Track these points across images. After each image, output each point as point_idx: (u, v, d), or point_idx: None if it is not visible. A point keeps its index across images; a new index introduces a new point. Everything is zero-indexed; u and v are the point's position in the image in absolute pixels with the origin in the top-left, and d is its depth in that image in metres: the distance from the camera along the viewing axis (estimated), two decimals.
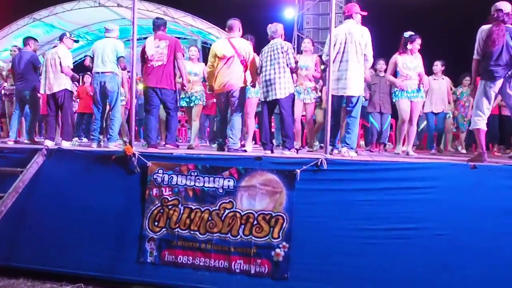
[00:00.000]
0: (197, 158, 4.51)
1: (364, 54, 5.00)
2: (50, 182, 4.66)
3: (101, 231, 4.39)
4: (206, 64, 5.95)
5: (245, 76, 5.30)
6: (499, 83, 4.33)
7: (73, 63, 8.68)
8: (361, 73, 5.04)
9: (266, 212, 4.13)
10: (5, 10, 13.72)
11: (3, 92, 8.11)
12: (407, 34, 5.64)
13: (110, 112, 5.94)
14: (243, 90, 5.30)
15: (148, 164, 4.46)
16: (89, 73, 8.37)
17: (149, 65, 5.50)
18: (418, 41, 5.61)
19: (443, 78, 6.99)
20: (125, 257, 4.28)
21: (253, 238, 4.10)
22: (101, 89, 5.79)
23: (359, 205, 4.02)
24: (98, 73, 5.78)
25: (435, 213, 3.89)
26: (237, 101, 5.23)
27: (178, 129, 10.28)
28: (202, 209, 4.26)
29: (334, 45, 4.89)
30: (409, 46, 5.60)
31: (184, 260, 4.18)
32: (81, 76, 8.95)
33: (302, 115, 6.67)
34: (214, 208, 4.24)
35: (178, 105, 6.03)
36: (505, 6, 4.37)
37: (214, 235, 4.18)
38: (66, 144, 5.69)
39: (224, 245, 4.14)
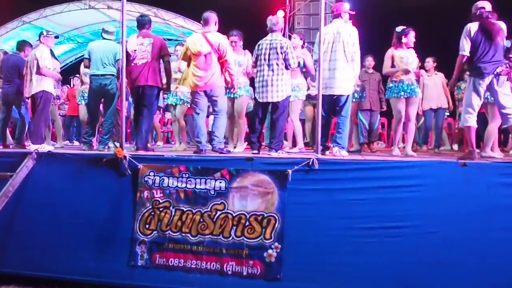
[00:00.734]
0: (189, 159, 4.49)
1: (352, 55, 4.98)
2: (40, 186, 4.61)
3: (92, 235, 4.35)
4: None
5: (224, 75, 5.12)
6: (487, 79, 4.36)
7: (64, 65, 8.60)
8: (350, 72, 5.02)
9: (258, 213, 4.12)
10: None
11: None
12: (399, 28, 5.54)
13: (104, 115, 5.87)
14: (223, 89, 5.17)
15: (139, 167, 4.43)
16: (78, 75, 8.30)
17: (132, 64, 5.33)
18: (412, 34, 5.46)
19: (436, 74, 7.02)
20: (115, 261, 4.24)
21: (245, 239, 4.08)
22: (101, 92, 5.71)
23: (351, 204, 4.03)
24: (97, 75, 5.68)
25: (426, 211, 3.91)
26: (219, 100, 5.10)
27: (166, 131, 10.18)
28: (194, 211, 4.24)
29: (323, 44, 4.87)
30: (403, 40, 5.42)
31: (176, 263, 4.15)
32: (71, 79, 8.87)
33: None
34: (205, 210, 4.22)
35: (156, 105, 5.78)
36: (486, 4, 4.40)
37: (206, 237, 4.16)
38: (34, 148, 5.36)
39: (216, 247, 4.11)
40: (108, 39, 5.90)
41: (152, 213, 4.31)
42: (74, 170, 4.63)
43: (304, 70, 5.99)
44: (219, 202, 4.21)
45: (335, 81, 4.92)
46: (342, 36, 4.94)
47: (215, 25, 5.14)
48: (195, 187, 4.28)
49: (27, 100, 6.30)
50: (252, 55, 5.35)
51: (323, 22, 4.63)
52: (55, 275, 4.30)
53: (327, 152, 5.03)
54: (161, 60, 5.50)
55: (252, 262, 4.03)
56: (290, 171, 4.11)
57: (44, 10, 13.64)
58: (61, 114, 8.63)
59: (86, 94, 6.80)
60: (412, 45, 5.52)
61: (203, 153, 4.95)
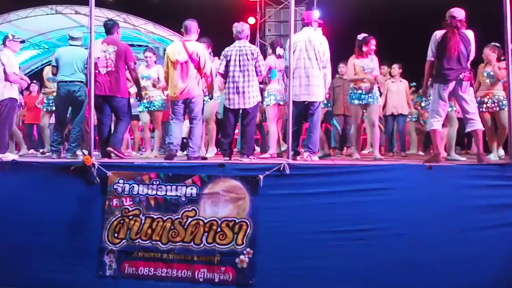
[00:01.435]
0: (159, 166, 4.45)
1: (323, 62, 5.08)
2: (5, 195, 4.45)
3: (59, 245, 4.23)
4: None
5: (201, 83, 5.14)
6: (451, 85, 4.51)
7: (30, 72, 8.33)
8: (322, 79, 5.12)
9: (230, 219, 4.11)
10: None
11: None
12: (360, 36, 5.69)
13: (72, 122, 5.73)
14: (201, 97, 5.18)
15: (108, 174, 4.35)
16: (34, 81, 8.04)
17: (96, 71, 5.14)
18: (373, 42, 5.62)
19: (401, 81, 7.20)
20: (84, 272, 4.14)
21: (216, 245, 4.06)
22: (69, 99, 5.56)
23: (322, 208, 4.08)
24: (65, 82, 5.53)
25: (395, 213, 4.00)
26: (196, 108, 5.10)
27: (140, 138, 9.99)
28: (164, 218, 4.18)
29: (294, 52, 4.93)
30: (364, 49, 5.61)
31: (146, 272, 4.08)
32: (29, 85, 8.53)
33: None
34: (176, 217, 4.17)
35: (131, 112, 5.68)
36: (458, 13, 4.55)
37: (177, 244, 4.11)
38: None
39: (187, 254, 4.07)
40: (75, 45, 5.78)
41: (121, 222, 4.23)
42: (40, 178, 4.50)
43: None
44: (190, 209, 4.17)
45: (310, 88, 4.99)
46: (313, 44, 5.03)
47: (196, 33, 5.16)
48: (165, 194, 4.24)
49: None
50: (222, 60, 5.30)
51: (293, 30, 4.68)
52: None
53: (298, 157, 5.08)
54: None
55: (224, 268, 4.01)
56: (261, 177, 4.12)
57: (8, 15, 13.21)
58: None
59: (51, 101, 6.63)
60: (372, 53, 5.67)
61: (174, 154, 4.94)
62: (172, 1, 11.54)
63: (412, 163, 4.42)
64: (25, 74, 8.03)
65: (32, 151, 8.07)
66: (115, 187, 4.31)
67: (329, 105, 7.02)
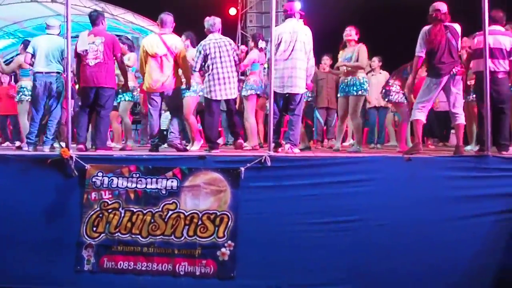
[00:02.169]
0: (139, 159, 4.40)
1: (308, 54, 5.07)
2: None
3: (35, 240, 4.15)
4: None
5: (179, 76, 5.17)
6: (444, 79, 4.55)
7: (5, 62, 8.06)
8: (305, 72, 5.12)
9: (211, 212, 4.09)
10: None
11: None
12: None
13: (49, 114, 5.59)
14: (178, 90, 5.21)
15: (86, 167, 4.26)
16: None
17: (84, 63, 5.14)
18: (347, 30, 5.57)
19: (380, 73, 7.25)
20: (61, 266, 4.07)
21: (197, 238, 4.04)
22: (46, 90, 5.43)
23: (303, 200, 4.09)
24: (41, 73, 5.40)
25: (375, 204, 4.05)
26: (174, 101, 5.13)
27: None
28: (144, 212, 4.14)
29: (280, 43, 4.90)
30: (344, 39, 5.63)
31: (125, 266, 4.04)
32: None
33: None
34: (157, 210, 4.13)
35: (112, 106, 5.61)
36: (442, 7, 4.60)
37: (157, 237, 4.07)
38: None
39: (167, 247, 4.04)
40: (52, 34, 5.63)
41: (100, 215, 4.17)
42: (16, 172, 4.39)
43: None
44: (170, 202, 4.14)
45: (294, 80, 4.97)
46: (298, 35, 5.00)
47: (172, 27, 5.19)
48: (146, 187, 4.19)
49: None
50: (199, 53, 5.24)
51: (274, 21, 4.66)
52: None
53: (279, 150, 5.08)
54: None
55: (205, 261, 4.00)
56: (242, 169, 4.10)
57: None
58: None
59: (27, 91, 6.46)
60: (353, 42, 5.58)
61: (156, 151, 4.91)
62: None
63: (392, 155, 4.46)
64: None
65: (7, 144, 7.87)
66: (93, 180, 4.24)
67: (311, 97, 7.04)
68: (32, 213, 4.22)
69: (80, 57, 5.19)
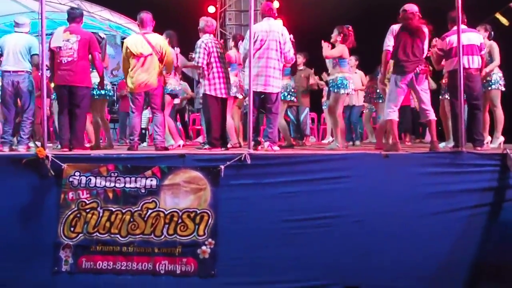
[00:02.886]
0: (118, 158, 4.34)
1: (285, 53, 5.10)
2: None
3: (11, 241, 4.05)
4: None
5: (163, 74, 5.20)
6: (409, 77, 4.64)
7: None
8: (280, 71, 5.14)
9: (191, 210, 4.08)
10: None
11: None
12: None
13: (22, 114, 5.46)
14: (162, 88, 5.22)
15: (63, 167, 4.19)
16: None
17: (58, 60, 5.06)
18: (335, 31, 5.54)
19: (356, 73, 7.35)
20: (38, 268, 3.99)
21: (177, 237, 4.03)
22: (14, 90, 5.31)
23: (283, 197, 4.12)
24: (9, 72, 5.28)
25: (353, 201, 4.11)
26: (157, 100, 5.12)
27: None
28: (123, 211, 4.10)
29: (255, 42, 4.93)
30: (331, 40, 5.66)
31: (104, 266, 4.00)
32: None
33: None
34: (136, 209, 4.09)
35: (89, 105, 5.47)
36: (410, 7, 4.69)
37: (137, 237, 4.04)
38: None
39: (147, 246, 4.02)
40: (20, 32, 5.50)
41: (78, 215, 4.11)
42: None
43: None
44: (150, 201, 4.11)
45: (268, 79, 4.99)
46: (274, 34, 5.03)
47: (152, 25, 5.18)
48: (124, 186, 4.15)
49: None
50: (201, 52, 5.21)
51: (253, 19, 4.66)
52: None
53: (259, 147, 5.09)
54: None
55: (186, 259, 3.99)
56: (222, 167, 4.10)
57: None
58: None
59: None
60: (337, 43, 5.59)
61: (135, 149, 4.88)
62: None
63: (369, 152, 4.53)
64: None
65: None
66: (70, 179, 4.17)
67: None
68: (7, 214, 4.13)
69: (53, 53, 5.10)
